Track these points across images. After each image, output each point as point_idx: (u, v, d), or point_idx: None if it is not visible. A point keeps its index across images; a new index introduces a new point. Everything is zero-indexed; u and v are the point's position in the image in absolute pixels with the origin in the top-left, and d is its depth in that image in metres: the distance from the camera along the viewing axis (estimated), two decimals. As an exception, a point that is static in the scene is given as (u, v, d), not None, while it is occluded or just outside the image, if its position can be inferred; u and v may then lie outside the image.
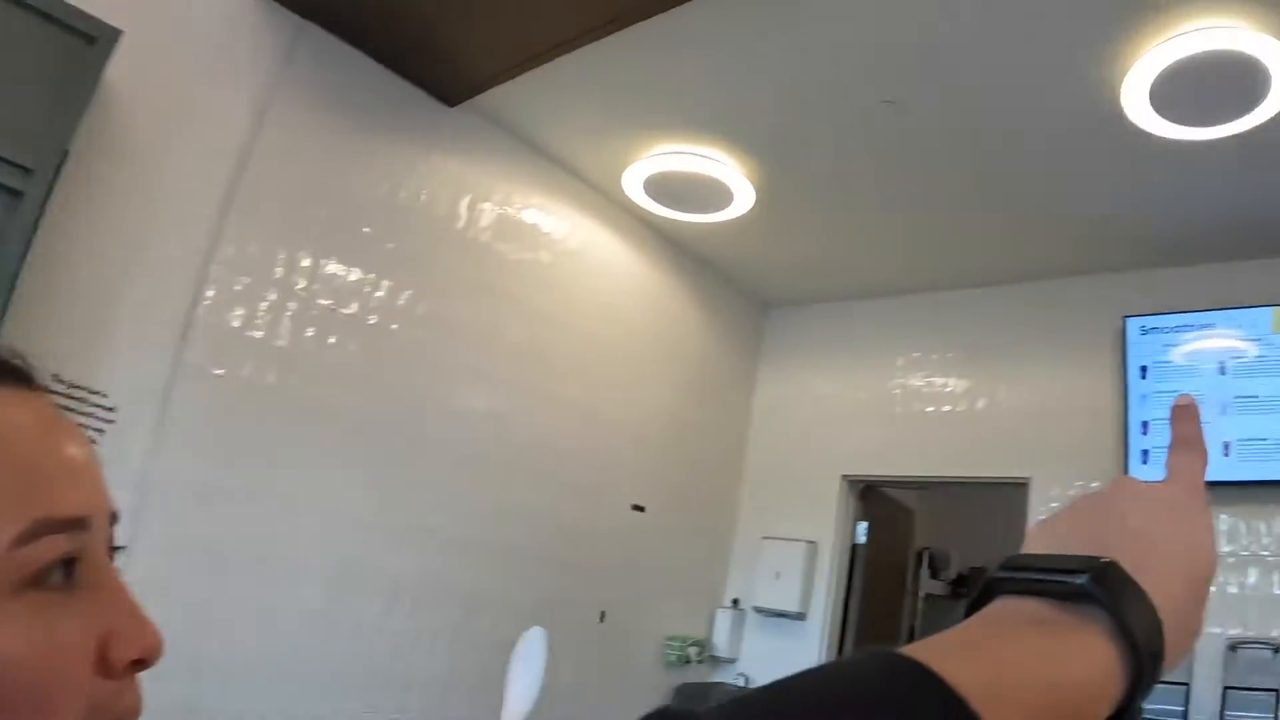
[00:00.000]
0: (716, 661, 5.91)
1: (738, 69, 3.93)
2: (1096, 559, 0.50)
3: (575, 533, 5.00)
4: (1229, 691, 4.39)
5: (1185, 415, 0.67)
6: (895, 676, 0.45)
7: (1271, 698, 4.29)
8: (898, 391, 6.04)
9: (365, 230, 4.08)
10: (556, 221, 4.97)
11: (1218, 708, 4.39)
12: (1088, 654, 0.47)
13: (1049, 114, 4.03)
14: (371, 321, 4.08)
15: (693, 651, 5.63)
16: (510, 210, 4.71)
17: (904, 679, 0.45)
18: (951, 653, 0.46)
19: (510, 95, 4.29)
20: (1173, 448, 0.65)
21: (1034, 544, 0.57)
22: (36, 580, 0.56)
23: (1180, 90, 3.65)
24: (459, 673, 4.37)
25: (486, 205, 4.59)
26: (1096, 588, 0.48)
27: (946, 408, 5.84)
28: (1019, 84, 3.86)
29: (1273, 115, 3.72)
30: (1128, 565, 0.50)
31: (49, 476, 0.59)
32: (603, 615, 5.12)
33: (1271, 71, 3.46)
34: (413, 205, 4.27)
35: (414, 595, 4.20)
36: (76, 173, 3.01)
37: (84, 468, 0.62)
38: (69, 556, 0.57)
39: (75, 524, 0.58)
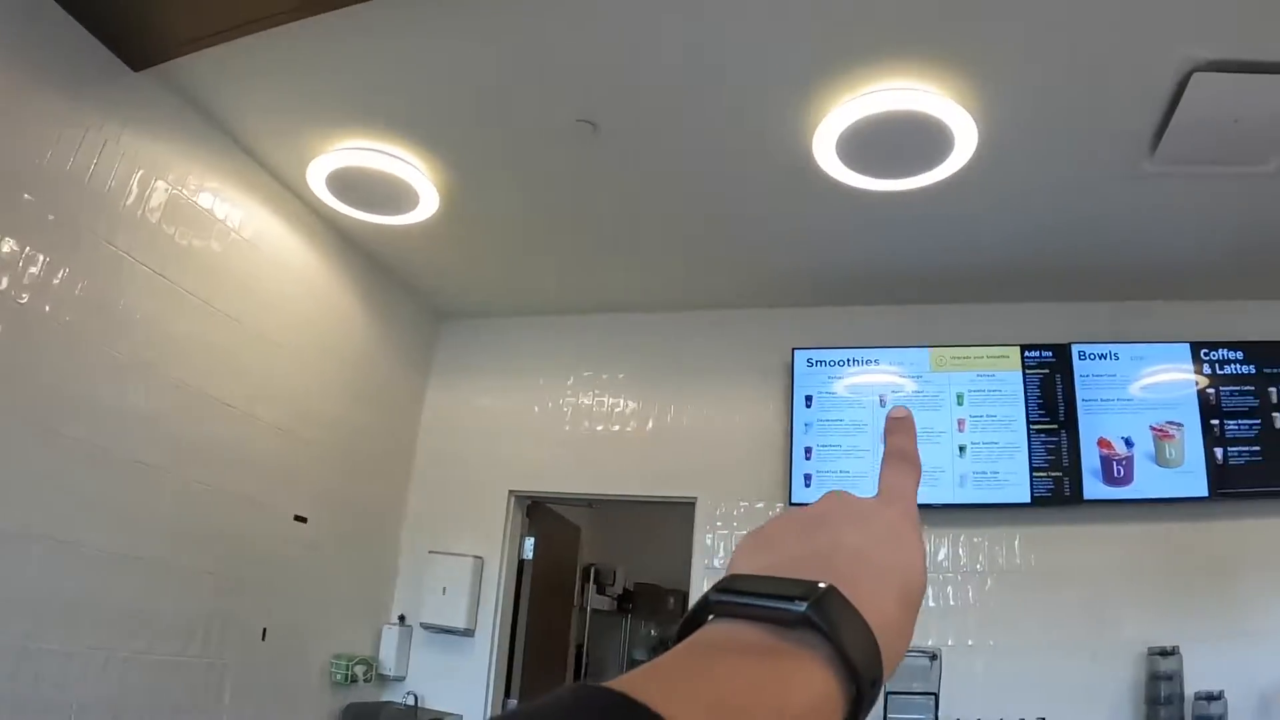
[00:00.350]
0: (385, 680, 5.69)
1: (435, 70, 3.85)
2: (815, 585, 0.49)
3: (236, 545, 4.62)
4: (890, 696, 4.74)
5: (900, 428, 0.69)
6: (599, 712, 0.42)
7: (930, 700, 4.68)
8: (568, 409, 6.12)
9: (26, 197, 3.55)
10: (232, 209, 4.59)
11: (880, 711, 4.72)
12: (808, 682, 0.46)
13: (741, 153, 4.22)
14: (22, 301, 3.53)
15: (359, 670, 5.38)
16: (186, 192, 4.30)
17: (609, 715, 0.42)
18: (665, 683, 0.44)
19: (200, 67, 3.95)
20: (886, 462, 0.66)
21: (744, 560, 0.56)
22: None
23: (867, 143, 3.91)
24: (118, 699, 3.90)
25: (161, 184, 4.15)
26: (816, 615, 0.48)
27: (616, 427, 5.97)
28: (714, 123, 4.02)
29: (951, 174, 4.06)
30: (845, 587, 0.50)
31: None
32: (265, 633, 4.76)
33: (954, 134, 3.76)
34: (82, 175, 3.77)
35: (60, 616, 3.65)
36: None
37: None
38: None
39: None
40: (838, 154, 4.02)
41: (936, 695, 4.73)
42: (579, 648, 7.29)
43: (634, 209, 4.84)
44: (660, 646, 7.35)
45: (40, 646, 3.54)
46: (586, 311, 6.20)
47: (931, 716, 4.67)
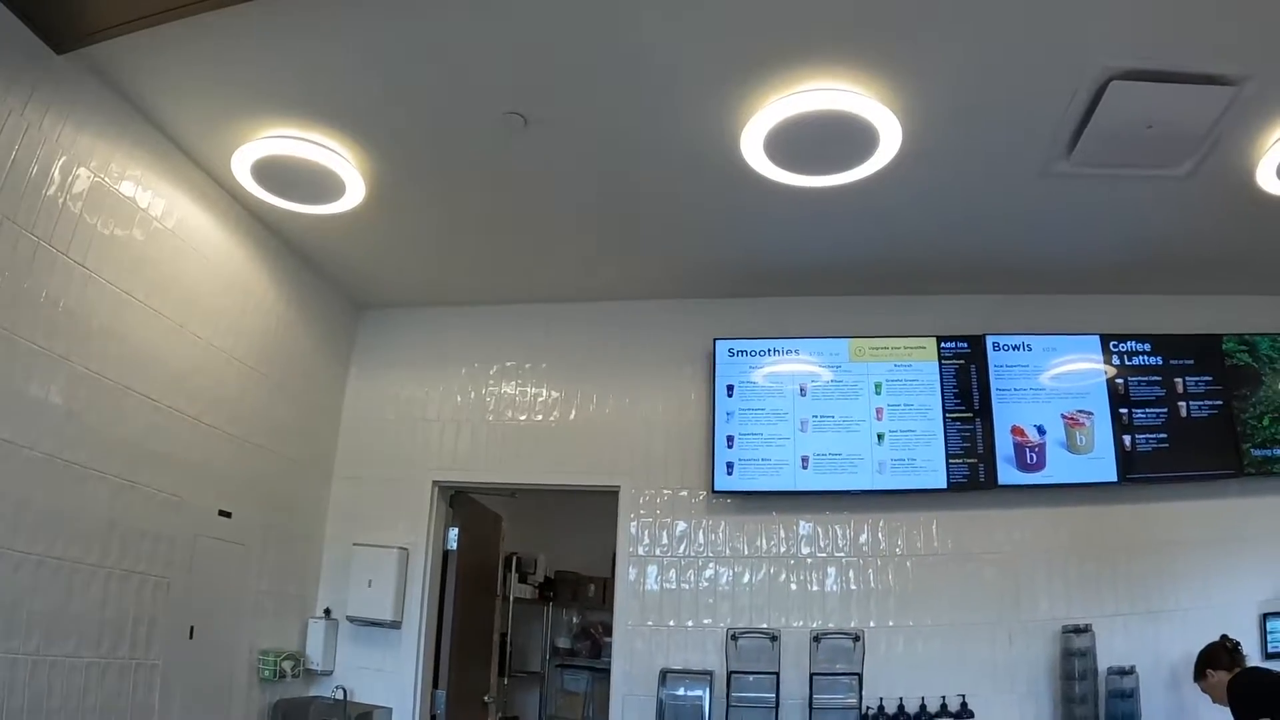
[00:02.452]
0: (313, 675, 5.65)
1: (363, 59, 3.82)
2: None
3: (160, 542, 4.50)
4: (815, 677, 4.88)
5: None
6: None
7: (854, 680, 4.85)
8: (491, 399, 6.14)
9: None
10: (155, 197, 4.47)
11: (807, 692, 4.86)
12: None
13: (669, 149, 4.29)
14: None
15: (287, 665, 5.32)
16: (108, 180, 4.17)
17: None
18: None
19: (125, 53, 3.83)
20: None
21: None
22: None
23: (794, 141, 4.00)
24: (46, 705, 3.79)
25: (83, 171, 4.02)
26: None
27: (540, 416, 6.02)
28: (643, 118, 4.08)
29: (873, 172, 4.19)
30: None
31: None
32: (192, 631, 4.68)
33: (879, 133, 3.89)
34: (3, 161, 3.63)
35: None
36: None
37: None
38: None
39: None
40: (765, 151, 4.10)
41: (860, 675, 4.88)
42: (503, 636, 7.30)
43: (561, 200, 4.86)
44: (582, 635, 7.38)
45: None
46: (510, 301, 6.21)
47: (856, 696, 4.81)
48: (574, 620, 8.43)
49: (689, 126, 4.08)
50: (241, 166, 4.60)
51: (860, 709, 4.82)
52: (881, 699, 4.94)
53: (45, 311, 3.86)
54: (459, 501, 6.22)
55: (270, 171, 4.61)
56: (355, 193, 4.74)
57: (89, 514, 4.08)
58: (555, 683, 8.27)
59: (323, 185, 4.68)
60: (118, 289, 4.25)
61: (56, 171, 3.89)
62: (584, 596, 8.20)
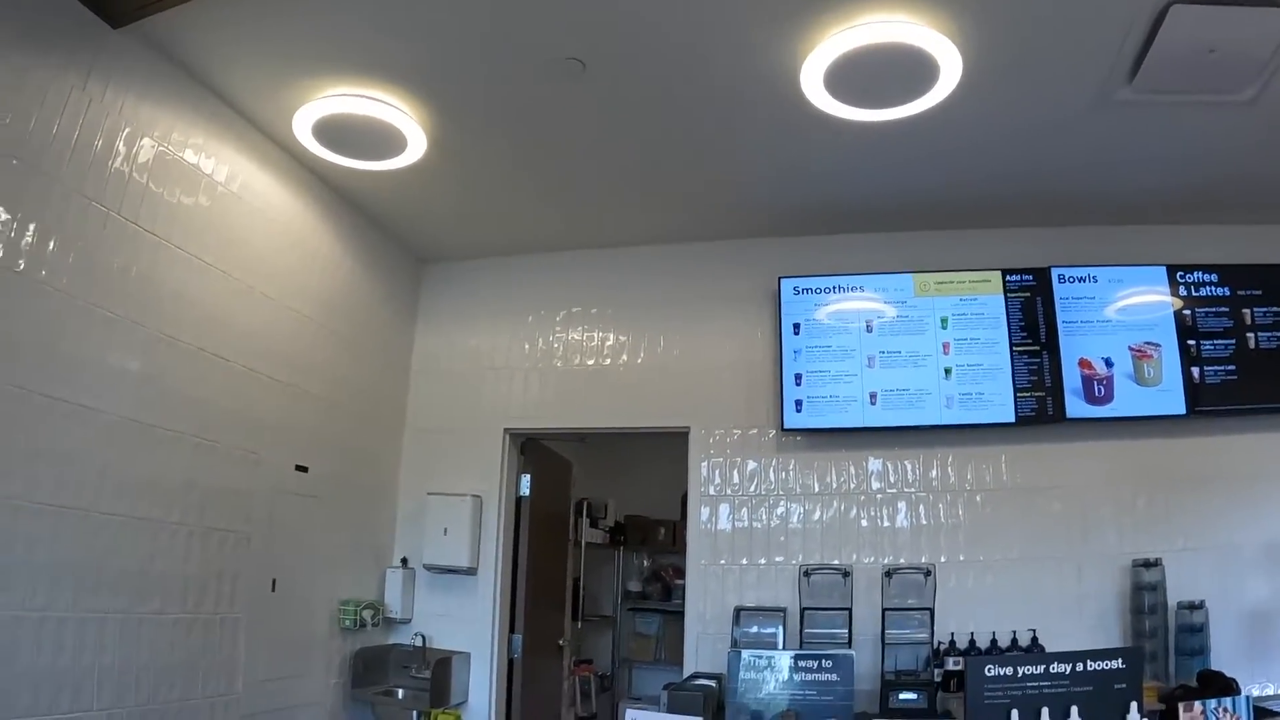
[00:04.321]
0: (392, 623, 5.81)
1: (420, 12, 3.78)
2: None
3: (238, 499, 4.63)
4: (887, 612, 4.88)
5: None
6: None
7: (926, 615, 4.85)
8: (558, 346, 6.15)
9: (13, 162, 3.47)
10: (219, 163, 4.53)
11: (878, 628, 4.86)
12: None
13: (728, 87, 4.22)
14: (19, 269, 3.48)
15: (367, 615, 5.47)
16: (171, 148, 4.23)
17: None
18: None
19: (180, 22, 3.86)
20: None
21: None
22: None
23: (855, 75, 3.94)
24: (136, 661, 3.94)
25: (146, 141, 4.08)
26: None
27: (608, 361, 6.03)
28: (701, 56, 4.00)
29: (934, 105, 4.12)
30: None
31: None
32: (274, 584, 4.82)
33: (939, 64, 3.82)
34: (68, 137, 3.69)
35: (71, 583, 3.66)
36: None
37: None
38: None
39: None
40: (825, 85, 4.04)
41: (931, 610, 4.87)
42: (575, 581, 7.38)
43: (620, 145, 4.82)
44: (652, 578, 7.42)
45: (55, 615, 3.57)
46: (573, 248, 6.20)
47: (927, 631, 4.81)
48: (644, 564, 8.50)
49: (749, 64, 4.01)
50: (302, 127, 4.63)
51: (932, 643, 4.81)
52: (953, 634, 4.92)
53: (118, 280, 3.95)
54: (530, 448, 6.28)
55: (331, 130, 4.63)
56: (416, 147, 4.75)
57: (169, 474, 4.20)
58: (627, 626, 8.35)
59: (384, 141, 4.69)
60: (187, 253, 4.33)
61: (121, 143, 3.96)
62: (654, 540, 8.25)
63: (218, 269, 4.53)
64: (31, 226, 3.54)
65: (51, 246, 3.62)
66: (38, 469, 3.53)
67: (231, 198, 4.64)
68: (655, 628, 8.24)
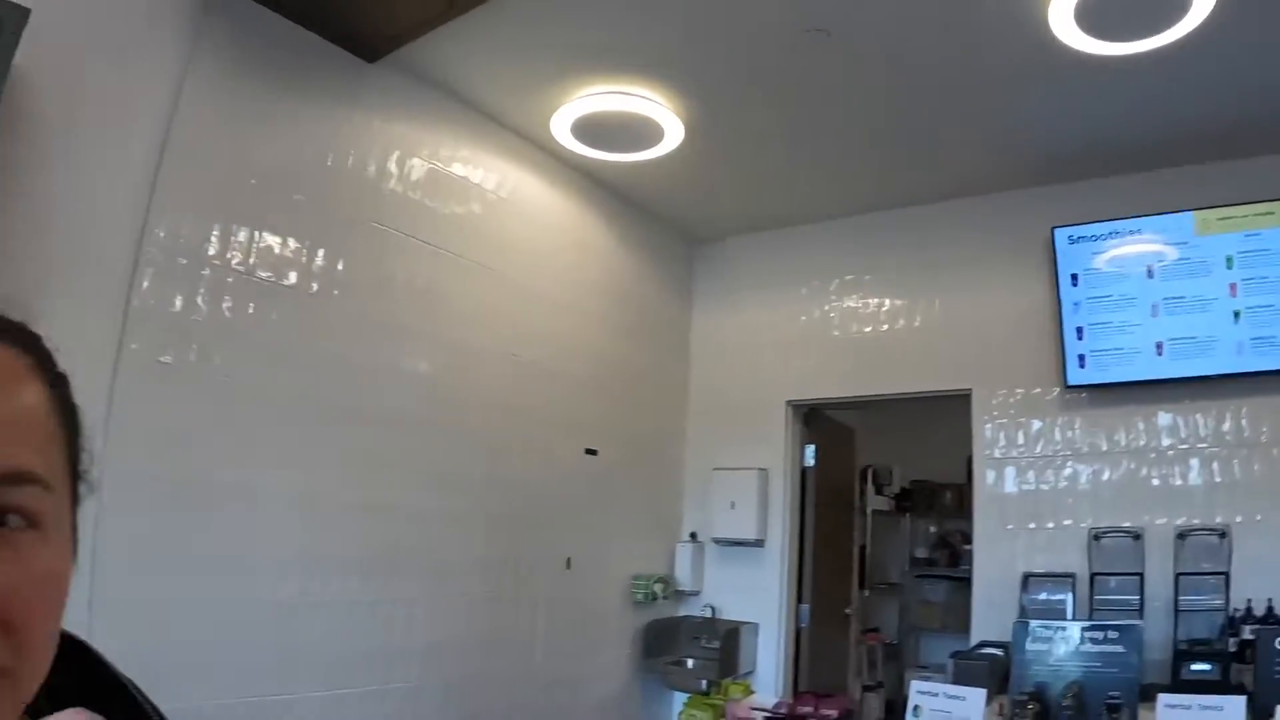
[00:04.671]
0: (682, 595, 6.03)
1: (662, 3, 3.88)
2: None
3: (533, 484, 5.01)
4: (1181, 577, 4.58)
5: None
6: None
7: (1221, 580, 4.48)
8: (834, 315, 6.12)
9: (297, 197, 3.93)
10: (485, 172, 4.88)
11: (1171, 594, 4.57)
12: None
13: (976, 34, 4.07)
14: (313, 290, 3.95)
15: (658, 588, 5.72)
16: (439, 165, 4.61)
17: None
18: None
19: (431, 48, 4.19)
20: None
21: None
22: None
23: (1104, 7, 3.73)
24: (438, 639, 4.40)
25: (416, 161, 4.48)
26: None
27: (884, 327, 5.95)
28: (945, 7, 3.89)
29: (1189, 31, 3.83)
30: None
31: None
32: (569, 562, 5.17)
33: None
34: (342, 167, 4.13)
35: (381, 568, 4.15)
36: None
37: None
38: None
39: None
40: (1076, 21, 3.86)
41: (1227, 574, 4.48)
42: (861, 549, 7.37)
43: (874, 107, 4.73)
44: (939, 544, 7.28)
45: (366, 600, 4.09)
46: (840, 216, 6.14)
47: (1222, 597, 4.45)
48: (930, 530, 8.36)
49: (994, 10, 3.90)
50: (561, 129, 4.87)
51: (1227, 610, 4.41)
52: (1249, 600, 4.47)
53: (404, 291, 4.37)
54: (812, 419, 6.32)
55: (589, 129, 4.84)
56: (674, 134, 4.87)
57: (468, 467, 4.63)
58: (914, 593, 8.25)
59: (641, 132, 4.85)
60: (467, 260, 4.70)
61: (392, 165, 4.36)
62: (940, 505, 8.08)
63: (496, 271, 4.88)
64: (320, 252, 3.99)
65: (340, 267, 4.06)
66: (346, 471, 4.01)
67: (502, 203, 4.96)
68: (942, 594, 8.10)
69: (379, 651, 4.12)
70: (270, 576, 3.71)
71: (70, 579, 0.69)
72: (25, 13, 2.75)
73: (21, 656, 0.64)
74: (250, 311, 3.73)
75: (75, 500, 0.73)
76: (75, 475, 0.73)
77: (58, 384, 0.72)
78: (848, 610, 6.89)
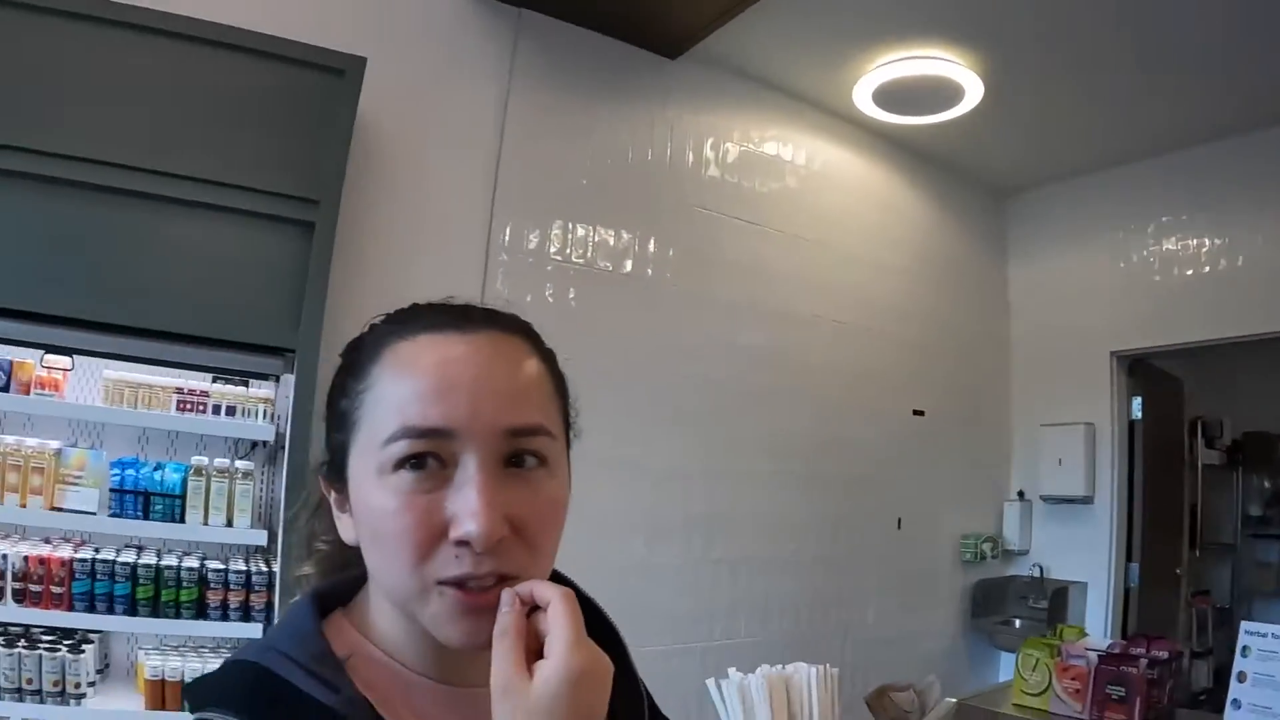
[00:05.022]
0: (1010, 555, 5.96)
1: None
2: None
3: (862, 446, 5.13)
4: None
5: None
6: None
7: None
8: (1153, 260, 5.80)
9: (623, 192, 4.31)
10: (795, 149, 5.02)
11: None
12: None
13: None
14: (648, 276, 4.32)
15: (986, 547, 5.70)
16: (751, 146, 4.81)
17: None
18: None
19: (729, 38, 4.33)
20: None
21: None
22: (398, 466, 0.85)
23: None
24: (776, 594, 4.65)
25: (728, 145, 4.71)
26: None
27: (1206, 268, 5.59)
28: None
29: None
30: None
31: (421, 394, 0.86)
32: (899, 522, 5.24)
33: None
34: (661, 160, 4.45)
35: (720, 530, 4.45)
36: (350, 195, 3.20)
37: (460, 391, 0.86)
38: (419, 453, 0.85)
39: (431, 433, 0.85)
40: None
41: None
42: (1192, 507, 6.98)
43: (1178, 35, 4.42)
44: (1275, 500, 6.83)
45: (723, 558, 4.46)
46: (1150, 155, 5.79)
47: None
48: (1265, 485, 7.81)
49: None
50: (863, 98, 4.93)
51: None
52: None
53: (731, 269, 4.64)
54: (1137, 369, 6.03)
55: (889, 95, 4.86)
56: (974, 92, 4.82)
57: (799, 432, 4.85)
58: (1248, 554, 7.75)
59: (941, 94, 4.83)
60: (784, 233, 4.90)
61: (708, 151, 4.63)
62: (1276, 458, 7.57)
63: (815, 241, 5.05)
64: (651, 240, 4.38)
65: (671, 253, 4.42)
66: (685, 440, 4.38)
67: (814, 176, 5.10)
68: (1277, 556, 7.59)
69: (720, 609, 4.42)
70: (618, 539, 4.07)
71: (567, 505, 0.94)
72: (363, 62, 3.17)
73: (534, 561, 0.88)
74: (594, 302, 4.14)
75: (568, 445, 0.99)
76: (567, 425, 1.00)
77: (548, 359, 0.99)
78: (1177, 570, 6.55)
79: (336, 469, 0.95)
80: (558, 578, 1.01)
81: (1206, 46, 4.59)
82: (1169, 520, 6.48)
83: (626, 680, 1.01)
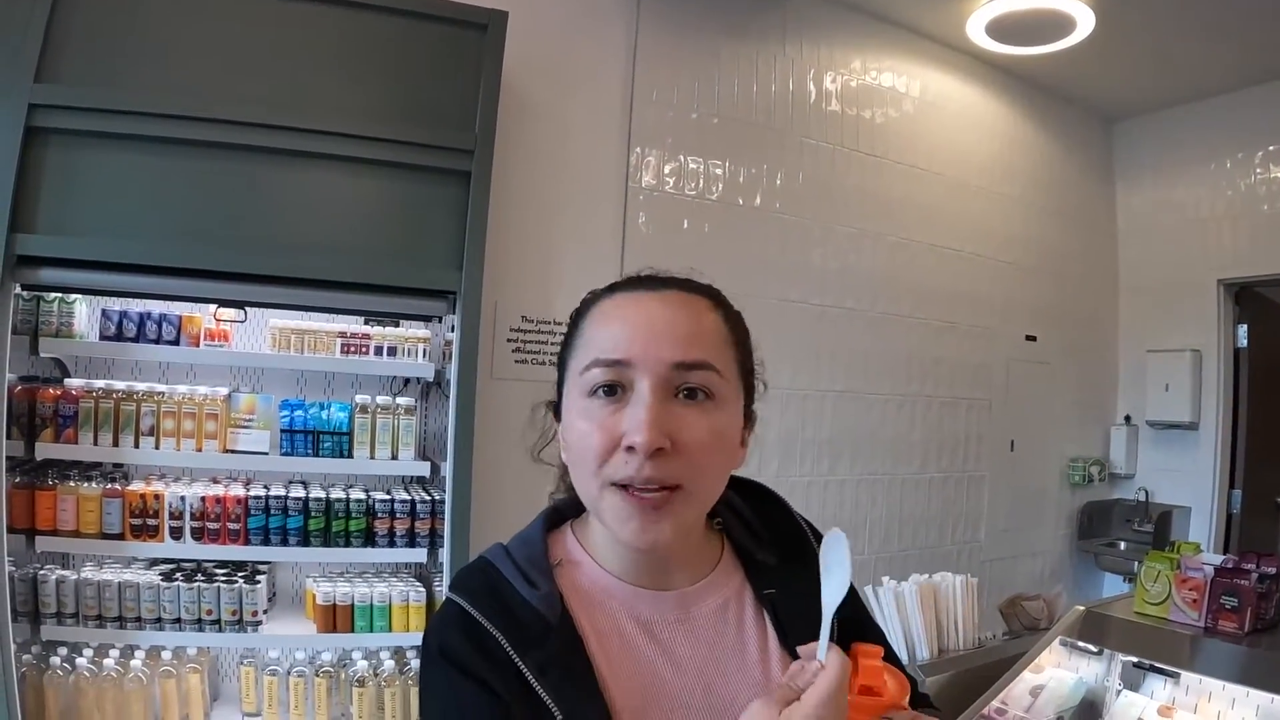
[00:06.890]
0: (1116, 478, 6.10)
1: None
2: None
3: (979, 370, 5.35)
4: None
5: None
6: None
7: None
8: (1261, 188, 5.78)
9: (749, 128, 4.49)
10: (909, 80, 5.13)
11: None
12: None
13: None
14: (756, 204, 4.49)
15: (1094, 471, 5.84)
16: (867, 79, 4.94)
17: None
18: None
19: None
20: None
21: None
22: (592, 392, 1.08)
23: None
24: (899, 512, 4.93)
25: (844, 78, 4.84)
26: None
27: (1316, 197, 5.60)
28: None
29: None
30: None
31: (612, 335, 1.09)
32: (1012, 444, 5.43)
33: None
34: (783, 95, 4.61)
35: (848, 450, 4.73)
36: (499, 144, 3.37)
37: (640, 330, 1.08)
38: (608, 381, 1.07)
39: (614, 363, 1.06)
40: None
41: None
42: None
43: None
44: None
45: (837, 479, 4.72)
46: (1260, 81, 5.73)
47: None
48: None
49: None
50: (976, 30, 5.01)
51: None
52: None
53: (851, 198, 4.82)
54: (1245, 297, 6.05)
55: (1003, 27, 4.94)
56: (1085, 23, 4.86)
57: (920, 355, 5.07)
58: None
59: (1054, 25, 4.89)
60: (903, 164, 5.05)
61: (829, 83, 4.79)
62: (1382, 386, 7.54)
63: (930, 171, 5.17)
64: (775, 171, 4.58)
65: (794, 185, 4.62)
66: (805, 362, 4.62)
67: (928, 106, 5.21)
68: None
69: (846, 524, 4.53)
70: (752, 460, 4.17)
71: (733, 438, 1.16)
72: (505, 16, 3.36)
73: (692, 476, 1.06)
74: (727, 235, 4.37)
75: (750, 391, 1.22)
76: (749, 374, 1.21)
77: (730, 317, 1.19)
78: (1278, 500, 6.62)
79: (557, 406, 1.19)
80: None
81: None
82: (1272, 448, 6.54)
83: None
